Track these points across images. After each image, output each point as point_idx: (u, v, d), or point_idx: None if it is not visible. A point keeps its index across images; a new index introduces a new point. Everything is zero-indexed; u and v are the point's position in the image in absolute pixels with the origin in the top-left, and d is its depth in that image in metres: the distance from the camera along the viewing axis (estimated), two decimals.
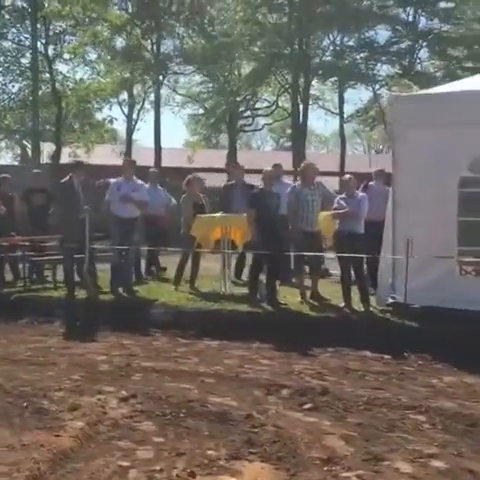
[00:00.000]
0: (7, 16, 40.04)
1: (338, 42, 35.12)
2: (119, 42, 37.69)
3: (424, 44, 33.50)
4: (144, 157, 32.28)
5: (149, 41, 34.01)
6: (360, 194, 10.33)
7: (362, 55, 33.68)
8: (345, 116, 39.77)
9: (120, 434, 5.60)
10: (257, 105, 42.28)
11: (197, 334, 9.75)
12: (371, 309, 10.00)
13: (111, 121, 38.28)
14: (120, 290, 11.60)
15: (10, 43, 40.84)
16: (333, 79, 34.05)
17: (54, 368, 7.93)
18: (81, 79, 40.08)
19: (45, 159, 40.25)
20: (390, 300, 9.80)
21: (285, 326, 9.57)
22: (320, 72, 33.94)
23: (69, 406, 6.28)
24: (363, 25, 33.27)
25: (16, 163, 53.93)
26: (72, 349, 9.00)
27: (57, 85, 38.57)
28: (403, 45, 33.92)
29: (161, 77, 33.13)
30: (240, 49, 32.33)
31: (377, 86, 33.94)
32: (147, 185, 12.70)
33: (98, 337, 9.77)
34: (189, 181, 12.61)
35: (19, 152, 52.65)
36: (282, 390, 6.94)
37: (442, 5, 32.10)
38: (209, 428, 5.74)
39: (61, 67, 40.50)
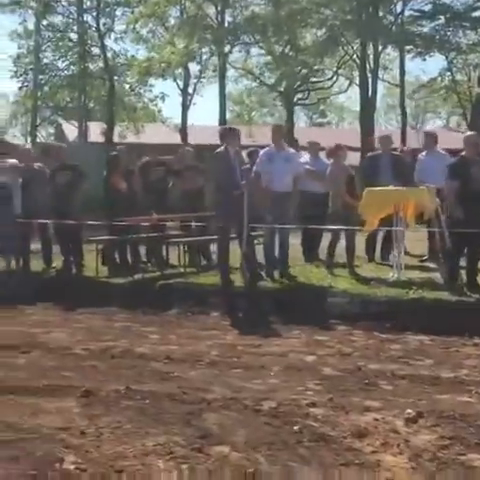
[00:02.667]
0: None
1: (414, 7, 33.09)
2: (174, 13, 36.33)
3: None
4: (202, 135, 30.45)
5: (213, 10, 32.39)
6: None
7: (438, 22, 31.67)
8: (412, 87, 37.93)
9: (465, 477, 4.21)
10: (313, 79, 40.27)
11: (395, 328, 8.35)
12: None
13: (163, 98, 37.04)
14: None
15: (61, 17, 39.61)
16: (408, 47, 32.07)
17: (268, 373, 6.58)
18: (133, 56, 38.78)
19: (92, 138, 38.91)
20: None
21: None
22: (393, 40, 31.98)
23: (352, 430, 4.90)
24: None
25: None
26: (264, 347, 7.63)
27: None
28: None
29: (229, 47, 31.46)
30: (309, 16, 30.55)
31: (453, 54, 31.97)
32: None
33: (280, 331, 8.39)
34: (336, 149, 11.11)
35: (52, 131, 50.19)
36: None
37: None
38: None
39: (110, 43, 38.71)
